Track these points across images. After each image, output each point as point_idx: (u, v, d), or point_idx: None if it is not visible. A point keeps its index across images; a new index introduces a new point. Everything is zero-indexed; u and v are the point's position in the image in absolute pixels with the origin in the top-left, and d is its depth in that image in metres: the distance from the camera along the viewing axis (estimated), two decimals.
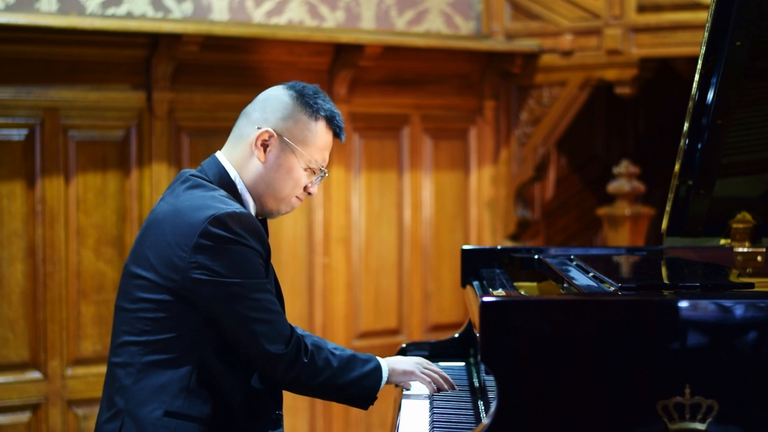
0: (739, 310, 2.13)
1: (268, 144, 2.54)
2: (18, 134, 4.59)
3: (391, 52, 5.37)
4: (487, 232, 5.84)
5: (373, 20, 5.54)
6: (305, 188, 2.60)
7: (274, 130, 2.54)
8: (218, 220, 2.39)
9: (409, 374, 2.68)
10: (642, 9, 5.41)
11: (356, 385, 2.56)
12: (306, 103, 2.56)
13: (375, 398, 2.60)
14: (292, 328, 2.48)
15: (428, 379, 2.70)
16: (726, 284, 2.46)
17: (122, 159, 4.81)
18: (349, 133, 5.43)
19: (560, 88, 5.67)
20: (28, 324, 4.59)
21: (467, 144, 5.82)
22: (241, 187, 2.55)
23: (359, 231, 5.48)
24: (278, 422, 2.60)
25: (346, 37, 5.23)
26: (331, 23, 5.42)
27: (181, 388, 2.41)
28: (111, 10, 4.85)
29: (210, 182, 2.52)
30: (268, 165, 2.55)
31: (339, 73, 5.31)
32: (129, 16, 4.88)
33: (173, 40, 4.73)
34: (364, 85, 5.44)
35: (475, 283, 3.11)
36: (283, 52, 5.16)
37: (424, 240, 5.67)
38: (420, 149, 5.66)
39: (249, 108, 2.60)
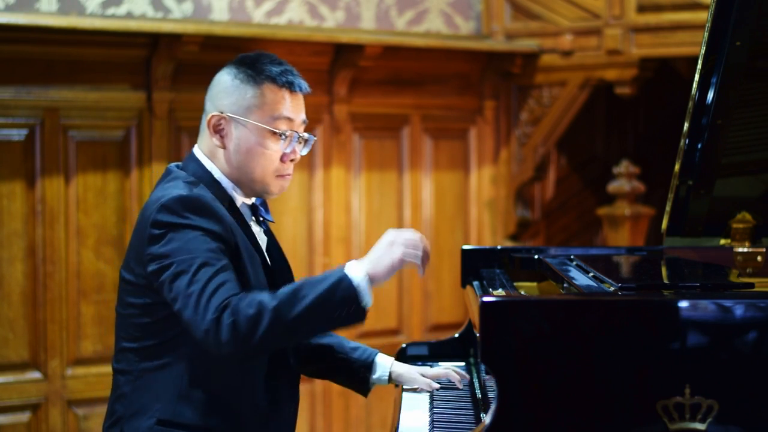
0: (739, 310, 2.13)
1: (221, 127, 2.45)
2: (18, 134, 4.59)
3: (391, 52, 5.37)
4: (487, 232, 5.84)
5: (373, 20, 5.54)
6: (283, 158, 2.46)
7: (222, 112, 2.44)
8: (164, 206, 2.32)
9: (398, 264, 2.35)
10: (642, 9, 5.41)
11: (320, 308, 2.25)
12: (245, 72, 2.45)
13: (363, 306, 2.29)
14: (227, 297, 2.23)
15: (415, 253, 2.35)
16: (726, 284, 2.46)
17: (122, 159, 4.81)
18: (349, 133, 5.44)
19: (560, 88, 5.67)
20: (28, 324, 4.59)
21: (467, 144, 5.82)
22: (218, 175, 2.47)
23: (359, 231, 5.48)
24: (293, 399, 2.53)
25: (346, 37, 5.23)
26: (331, 23, 5.42)
27: (175, 394, 2.37)
28: (111, 10, 4.84)
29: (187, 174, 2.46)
30: (230, 149, 2.45)
31: (339, 73, 5.31)
32: (129, 16, 4.88)
33: (173, 40, 4.73)
34: (364, 85, 5.44)
35: (475, 283, 3.11)
36: (283, 52, 5.15)
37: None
38: (420, 149, 5.66)
39: (206, 98, 2.52)
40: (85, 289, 4.69)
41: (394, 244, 2.38)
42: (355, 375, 2.76)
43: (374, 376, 2.75)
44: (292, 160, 2.49)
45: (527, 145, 5.79)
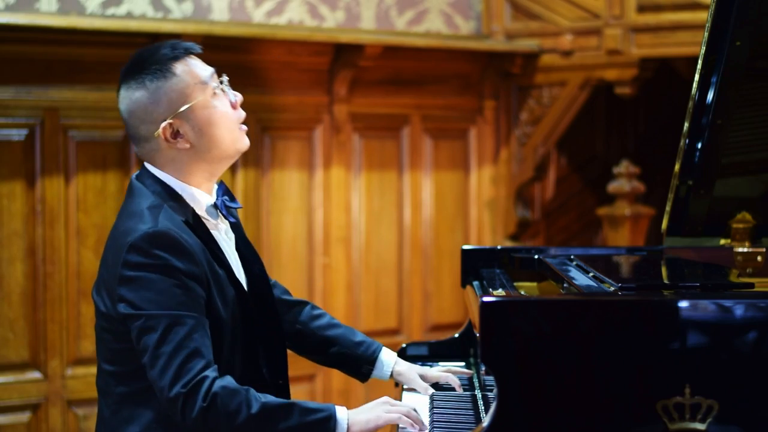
0: (739, 310, 2.13)
1: (176, 131, 2.41)
2: (18, 134, 4.59)
3: (391, 52, 5.37)
4: (487, 232, 5.84)
5: (373, 20, 5.54)
6: (233, 106, 2.47)
7: (166, 120, 2.40)
8: (133, 246, 2.29)
9: (374, 420, 2.34)
10: (642, 9, 5.41)
11: None
12: (150, 75, 2.41)
13: None
14: (202, 369, 2.23)
15: (397, 415, 2.37)
16: (726, 284, 2.46)
17: (122, 159, 4.81)
18: (349, 133, 5.44)
19: (560, 88, 5.67)
20: (28, 324, 4.59)
21: (467, 144, 5.82)
22: (177, 185, 2.43)
23: (359, 231, 5.48)
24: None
25: (346, 37, 5.23)
26: (331, 23, 5.42)
27: (152, 419, 2.34)
28: (111, 10, 4.85)
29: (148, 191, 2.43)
30: (197, 140, 2.41)
31: (339, 73, 5.31)
32: (129, 16, 4.88)
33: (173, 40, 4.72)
34: (364, 85, 5.44)
35: (475, 283, 3.11)
36: (283, 52, 5.16)
37: (424, 240, 5.67)
38: (420, 149, 5.66)
39: (131, 131, 2.46)
40: (85, 289, 4.69)
41: (383, 404, 2.39)
42: (358, 370, 2.79)
43: (375, 372, 2.78)
44: (240, 105, 2.49)
45: (527, 145, 5.79)
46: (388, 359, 2.78)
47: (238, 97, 2.50)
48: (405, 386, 2.80)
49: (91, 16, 4.78)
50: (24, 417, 4.60)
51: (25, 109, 4.60)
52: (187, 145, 2.42)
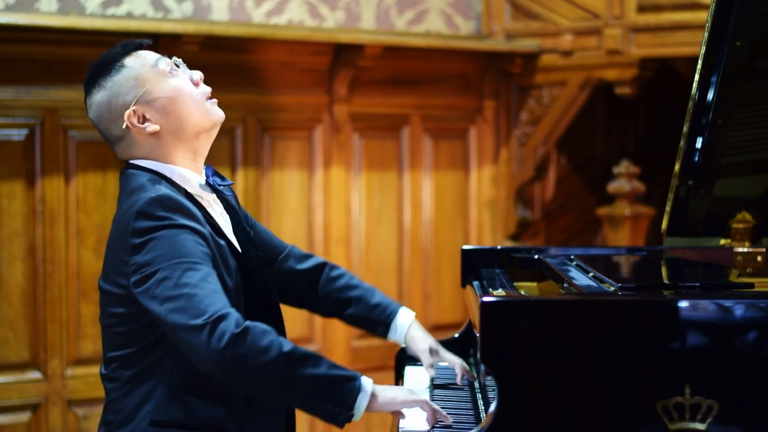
0: (739, 310, 2.13)
1: (141, 115, 2.43)
2: (18, 134, 4.59)
3: (391, 52, 5.37)
4: (487, 232, 5.84)
5: (373, 20, 5.54)
6: (194, 83, 2.48)
7: (129, 109, 2.42)
8: (139, 213, 2.30)
9: (401, 397, 2.33)
10: (642, 9, 5.41)
11: (319, 385, 2.21)
12: (105, 76, 2.46)
13: (351, 414, 2.25)
14: (226, 306, 2.20)
15: (423, 399, 2.34)
16: (726, 284, 2.46)
17: None
18: (349, 133, 5.44)
19: (560, 88, 5.68)
20: (28, 324, 4.59)
21: (467, 144, 5.82)
22: (165, 169, 2.44)
23: (359, 231, 5.48)
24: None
25: (346, 37, 5.23)
26: (331, 23, 5.42)
27: (164, 394, 2.35)
28: (111, 10, 4.85)
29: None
30: (164, 121, 2.43)
31: (339, 73, 5.31)
32: (129, 16, 4.88)
33: (173, 40, 4.73)
34: (364, 85, 5.44)
35: (475, 283, 3.11)
36: (283, 52, 5.16)
37: (424, 240, 5.67)
38: (420, 149, 5.66)
39: (106, 135, 2.50)
40: (85, 289, 4.69)
41: (407, 391, 2.37)
42: (374, 331, 2.84)
43: (390, 335, 2.82)
44: (201, 80, 2.51)
45: (527, 145, 5.79)
46: (403, 322, 2.82)
47: (197, 74, 2.52)
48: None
49: (91, 16, 4.77)
50: (24, 417, 4.60)
51: (25, 109, 4.60)
52: (156, 127, 2.43)
